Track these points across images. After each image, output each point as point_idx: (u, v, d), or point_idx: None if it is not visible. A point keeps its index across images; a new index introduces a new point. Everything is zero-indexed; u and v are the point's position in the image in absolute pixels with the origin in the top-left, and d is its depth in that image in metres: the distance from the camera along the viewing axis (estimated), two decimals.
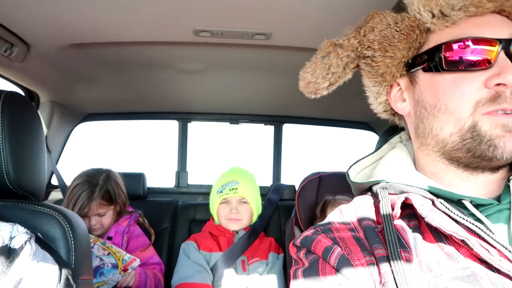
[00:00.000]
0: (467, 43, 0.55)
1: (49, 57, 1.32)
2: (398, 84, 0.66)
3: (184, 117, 2.27)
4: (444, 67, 0.57)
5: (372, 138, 2.38)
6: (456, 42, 0.56)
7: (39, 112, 1.18)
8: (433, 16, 0.58)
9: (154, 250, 1.61)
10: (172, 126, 2.31)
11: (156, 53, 1.37)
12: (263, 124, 2.32)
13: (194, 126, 2.34)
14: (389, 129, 0.80)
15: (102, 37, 1.20)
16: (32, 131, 0.77)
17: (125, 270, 1.38)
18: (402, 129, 0.73)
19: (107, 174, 1.54)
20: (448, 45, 0.57)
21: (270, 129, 2.33)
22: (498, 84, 0.52)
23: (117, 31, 1.14)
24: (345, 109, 2.09)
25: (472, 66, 0.55)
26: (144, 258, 1.55)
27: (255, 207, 1.65)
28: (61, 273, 0.66)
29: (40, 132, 0.79)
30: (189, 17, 1.06)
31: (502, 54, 0.54)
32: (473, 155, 0.54)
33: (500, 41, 0.54)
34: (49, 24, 1.08)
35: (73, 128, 2.11)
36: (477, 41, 0.55)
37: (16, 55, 1.20)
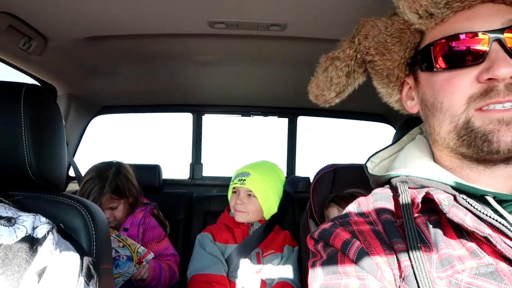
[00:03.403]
0: (454, 40, 0.55)
1: (66, 50, 1.33)
2: (408, 83, 0.66)
3: (198, 109, 2.28)
4: (436, 66, 0.57)
5: (387, 130, 2.34)
6: (443, 40, 0.56)
7: None
8: (420, 16, 0.58)
9: (169, 241, 1.63)
10: (186, 118, 2.32)
11: (171, 45, 1.37)
12: (277, 117, 2.31)
13: (209, 119, 2.34)
14: (406, 121, 0.78)
15: (118, 30, 1.20)
16: (53, 123, 0.78)
17: (139, 262, 1.40)
18: (421, 120, 0.72)
19: (117, 168, 1.55)
20: (436, 44, 0.57)
21: (284, 121, 2.32)
22: (489, 79, 0.51)
23: (133, 23, 1.15)
24: (361, 101, 2.06)
25: (462, 63, 0.54)
26: (160, 249, 1.57)
27: (265, 203, 1.58)
28: (82, 262, 0.67)
29: (60, 124, 0.80)
30: (204, 9, 1.05)
31: (495, 45, 0.52)
32: (474, 150, 0.54)
33: (491, 32, 0.52)
34: (66, 17, 1.09)
35: (89, 121, 2.14)
36: (464, 36, 0.54)
37: (34, 49, 1.22)
